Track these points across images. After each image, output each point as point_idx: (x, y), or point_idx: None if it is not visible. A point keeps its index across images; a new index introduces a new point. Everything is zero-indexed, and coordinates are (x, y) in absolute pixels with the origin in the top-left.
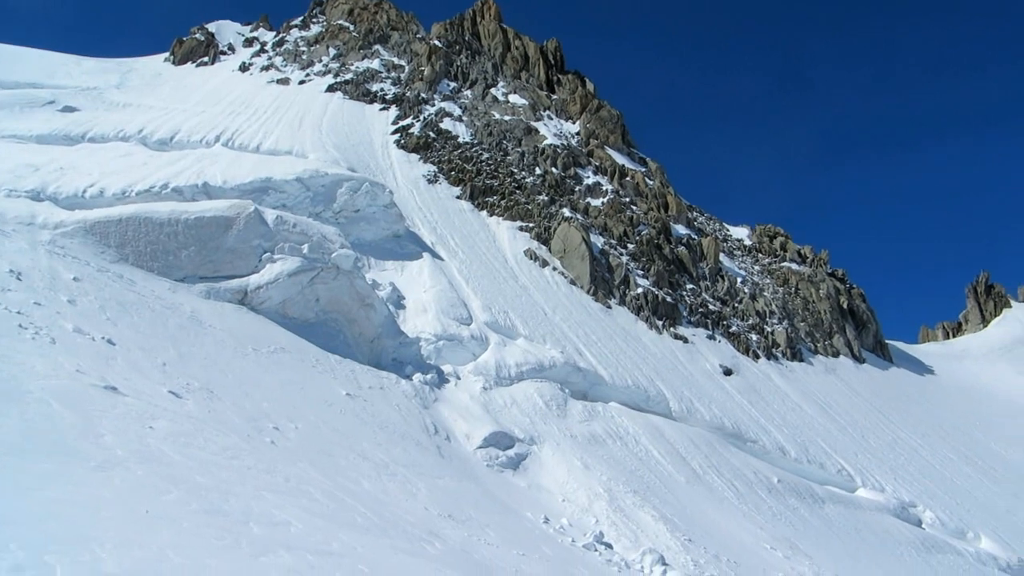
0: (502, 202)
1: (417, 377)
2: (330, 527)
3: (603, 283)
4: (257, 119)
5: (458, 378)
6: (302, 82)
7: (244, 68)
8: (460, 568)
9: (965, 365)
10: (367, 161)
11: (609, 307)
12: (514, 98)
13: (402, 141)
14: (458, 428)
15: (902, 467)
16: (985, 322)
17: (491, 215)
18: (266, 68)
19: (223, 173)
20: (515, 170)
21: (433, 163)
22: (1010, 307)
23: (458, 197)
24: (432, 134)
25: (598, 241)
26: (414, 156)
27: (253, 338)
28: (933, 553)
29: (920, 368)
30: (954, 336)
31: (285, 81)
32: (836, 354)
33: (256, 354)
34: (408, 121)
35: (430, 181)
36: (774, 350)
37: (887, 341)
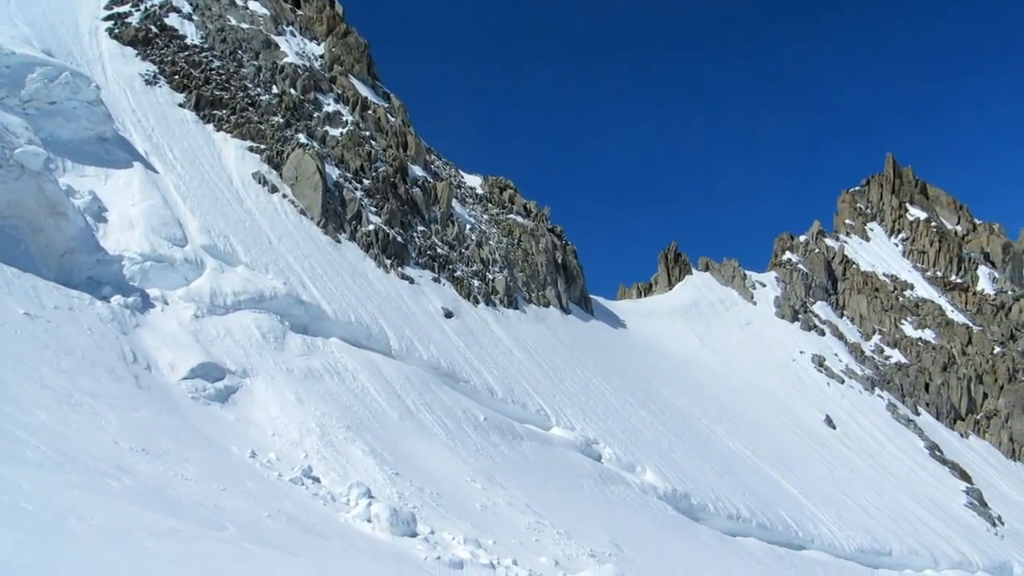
0: (232, 118)
1: (116, 300)
2: None
3: (335, 216)
4: None
5: (166, 303)
6: None
7: None
8: (149, 504)
9: (651, 321)
10: (69, 47)
11: (339, 241)
12: (254, 5)
13: (116, 31)
14: (162, 357)
15: (591, 409)
16: (671, 285)
17: (218, 130)
18: None
19: None
20: (249, 85)
21: (154, 62)
22: (691, 274)
23: (181, 105)
24: (155, 28)
25: (333, 172)
26: (130, 51)
27: None
28: (608, 484)
29: (615, 322)
30: (645, 295)
31: None
32: (547, 304)
33: None
34: (126, 8)
35: (148, 82)
36: (493, 297)
37: (591, 296)
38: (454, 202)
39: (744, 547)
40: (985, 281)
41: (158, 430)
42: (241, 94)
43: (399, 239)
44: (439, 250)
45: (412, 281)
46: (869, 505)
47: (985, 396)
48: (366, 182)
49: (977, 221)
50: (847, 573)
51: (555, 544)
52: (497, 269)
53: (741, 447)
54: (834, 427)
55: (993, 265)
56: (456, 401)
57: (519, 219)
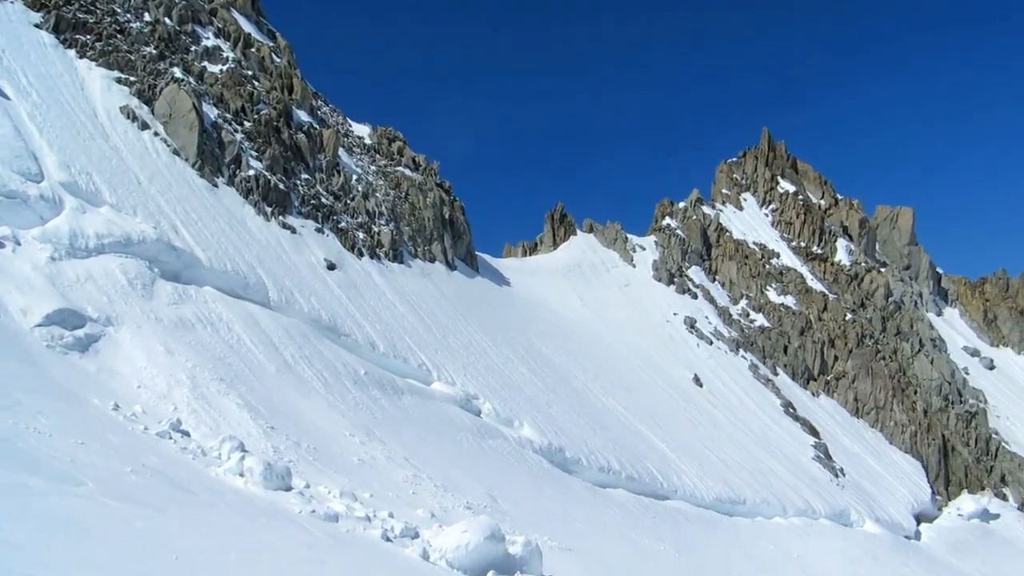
0: (97, 44)
1: None
2: None
3: (211, 159)
4: None
5: (18, 244)
6: None
7: None
8: None
9: (535, 280)
10: None
11: (215, 186)
12: None
13: None
14: (12, 302)
15: (472, 364)
16: (556, 245)
17: (81, 57)
18: None
19: None
20: (118, 10)
21: None
22: (576, 235)
23: (38, 25)
24: None
25: (211, 112)
26: None
27: None
28: (486, 438)
29: (500, 279)
30: (531, 255)
31: None
32: (433, 259)
33: None
34: None
35: None
36: (378, 250)
37: (477, 253)
38: (341, 151)
39: (613, 498)
40: (842, 253)
41: (7, 379)
42: (108, 19)
43: (281, 186)
44: (323, 200)
45: (294, 231)
46: (728, 458)
47: (836, 359)
48: (247, 124)
49: (839, 196)
50: (705, 521)
51: (432, 497)
52: (383, 222)
53: (615, 403)
54: (701, 385)
55: (850, 238)
56: (337, 355)
57: (407, 172)
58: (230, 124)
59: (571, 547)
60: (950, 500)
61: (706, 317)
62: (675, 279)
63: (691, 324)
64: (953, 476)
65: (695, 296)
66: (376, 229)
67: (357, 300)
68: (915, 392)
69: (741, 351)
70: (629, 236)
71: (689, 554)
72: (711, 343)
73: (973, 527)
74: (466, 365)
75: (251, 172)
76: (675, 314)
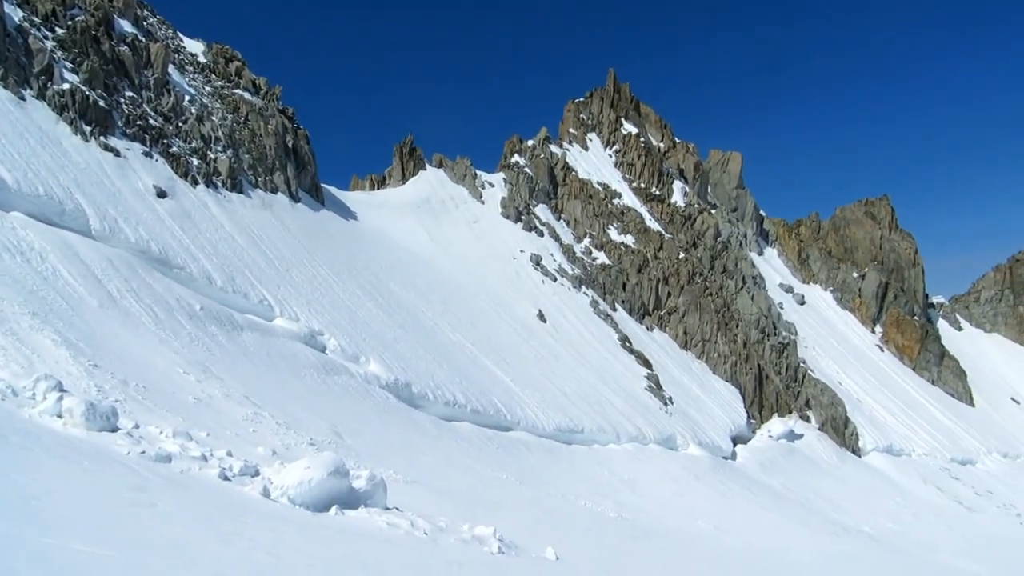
0: None
1: None
2: None
3: (17, 68)
4: None
5: None
6: None
7: None
8: None
9: (382, 214)
10: None
11: (23, 99)
12: None
13: None
14: None
15: (317, 300)
16: (404, 179)
17: None
18: None
19: None
20: None
21: None
22: (425, 170)
23: None
24: None
25: (14, 14)
26: None
27: None
28: (331, 375)
29: (346, 213)
30: (379, 188)
31: None
32: (275, 190)
33: None
34: None
35: None
36: (215, 178)
37: (322, 184)
38: (171, 68)
39: (458, 431)
40: (678, 195)
41: None
42: None
43: (102, 104)
44: (152, 121)
45: (118, 154)
46: (569, 390)
47: (669, 295)
48: (59, 31)
49: (677, 140)
50: (546, 449)
51: (273, 434)
52: (220, 148)
53: (462, 339)
54: (545, 321)
55: (686, 181)
56: (168, 289)
57: (247, 96)
58: (39, 29)
59: (416, 479)
60: (763, 423)
61: (551, 254)
62: (522, 217)
63: (537, 261)
64: (766, 402)
65: (541, 234)
66: (212, 156)
67: (192, 231)
68: (737, 326)
69: (583, 288)
70: (478, 172)
71: (530, 481)
72: (555, 280)
73: (781, 446)
74: (310, 301)
75: (65, 86)
76: (522, 251)
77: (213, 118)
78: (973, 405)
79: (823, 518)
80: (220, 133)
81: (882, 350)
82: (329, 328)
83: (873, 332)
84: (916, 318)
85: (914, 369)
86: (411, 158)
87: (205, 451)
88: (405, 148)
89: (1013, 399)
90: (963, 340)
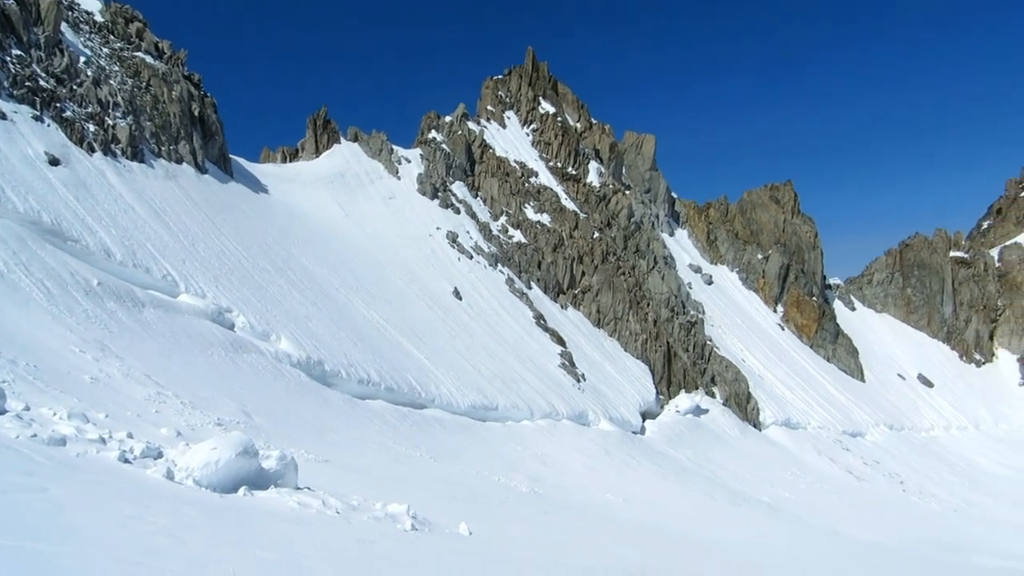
0: None
1: None
2: None
3: None
4: None
5: None
6: None
7: None
8: None
9: (295, 188)
10: None
11: None
12: None
13: None
14: None
15: (225, 276)
16: (318, 152)
17: None
18: None
19: None
20: None
21: None
22: (340, 143)
23: None
24: None
25: None
26: None
27: None
28: (240, 353)
29: (257, 186)
30: (291, 161)
31: None
32: (180, 160)
33: None
34: None
35: None
36: (114, 146)
37: (231, 156)
38: (64, 27)
39: (372, 409)
40: (594, 175)
41: None
42: None
43: None
44: (42, 83)
45: (4, 117)
46: (483, 367)
47: (583, 274)
48: None
49: (593, 121)
50: (460, 427)
51: (178, 415)
52: (119, 115)
53: (376, 316)
54: (461, 299)
55: (601, 161)
56: (62, 262)
57: (149, 59)
58: None
59: (328, 458)
60: (671, 399)
61: (467, 232)
62: (439, 193)
63: (453, 239)
64: (674, 378)
65: (458, 211)
66: (110, 122)
67: (88, 202)
68: (648, 304)
69: (499, 266)
70: (395, 148)
71: (443, 458)
72: (471, 257)
73: (687, 421)
74: (218, 276)
75: None
76: (438, 228)
77: (111, 82)
78: (864, 381)
79: (725, 488)
80: (119, 98)
81: (783, 328)
82: (238, 305)
83: (775, 311)
84: (814, 298)
85: (811, 347)
86: (325, 131)
87: (103, 433)
88: (319, 120)
89: (899, 375)
90: (856, 320)
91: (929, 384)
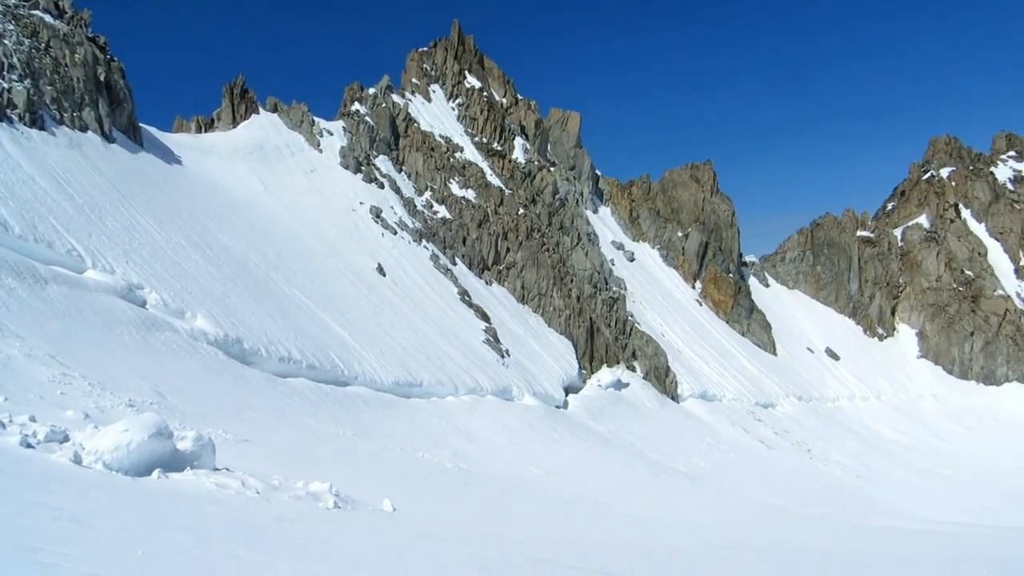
0: None
1: None
2: None
3: None
4: None
5: None
6: None
7: None
8: None
9: (211, 160)
10: None
11: None
12: None
13: None
14: None
15: (135, 251)
16: (235, 123)
17: None
18: None
19: None
20: None
21: None
22: (259, 114)
23: None
24: None
25: None
26: None
27: None
28: (153, 331)
29: (170, 157)
30: (207, 131)
31: None
32: (84, 128)
33: None
34: None
35: None
36: (10, 111)
37: (140, 124)
38: None
39: (293, 387)
40: (519, 151)
41: None
42: None
43: None
44: None
45: None
46: (408, 344)
47: (508, 250)
48: None
49: (519, 96)
50: (384, 403)
51: (86, 397)
52: (15, 77)
53: (297, 292)
54: (384, 275)
55: (527, 137)
56: None
57: (48, 18)
58: None
59: (247, 438)
60: (593, 373)
61: (391, 207)
62: (363, 167)
63: (377, 214)
64: (596, 353)
65: (382, 186)
66: (6, 85)
67: None
68: (571, 280)
69: (423, 241)
70: (316, 119)
71: (367, 435)
72: (395, 233)
73: (609, 395)
74: (128, 252)
75: None
76: (361, 203)
77: (6, 42)
78: (776, 354)
79: (644, 459)
80: (15, 60)
81: (700, 304)
82: (149, 281)
83: (693, 288)
84: (731, 275)
85: (727, 322)
86: (243, 100)
87: (3, 417)
88: (236, 89)
89: (809, 349)
90: (770, 296)
91: (836, 357)
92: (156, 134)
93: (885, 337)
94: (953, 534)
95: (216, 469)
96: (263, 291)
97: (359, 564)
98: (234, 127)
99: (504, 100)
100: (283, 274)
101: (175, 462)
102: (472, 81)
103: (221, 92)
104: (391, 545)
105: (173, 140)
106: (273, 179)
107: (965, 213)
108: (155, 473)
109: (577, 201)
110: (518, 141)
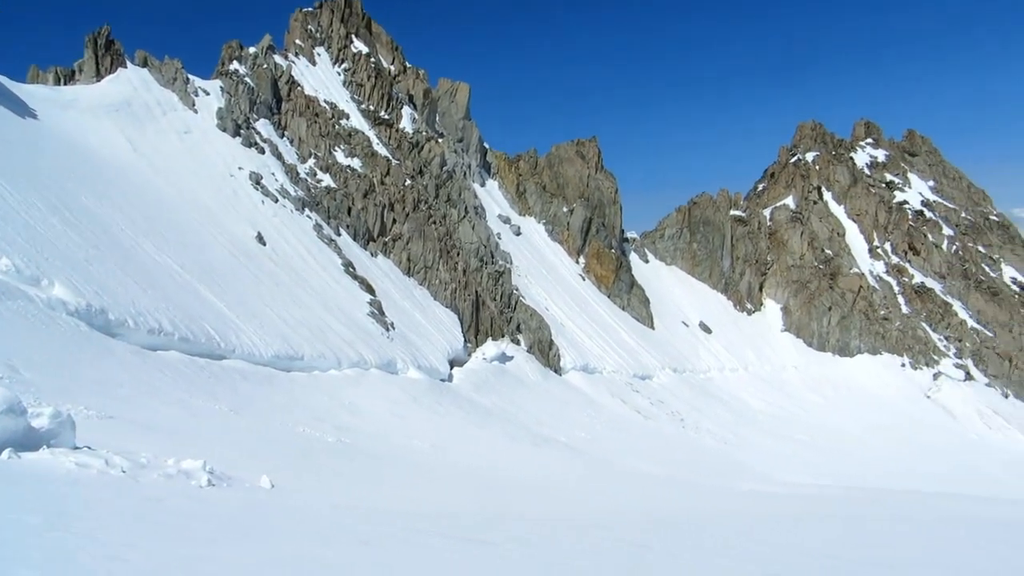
0: None
1: None
2: None
3: None
4: None
5: None
6: None
7: None
8: None
9: (72, 116)
10: None
11: None
12: None
13: None
14: None
15: None
16: (99, 76)
17: None
18: None
19: None
20: None
21: None
22: (126, 68)
23: None
24: None
25: None
26: None
27: None
28: (4, 300)
29: (23, 110)
30: (67, 83)
31: None
32: None
33: None
34: None
35: None
36: None
37: None
38: None
39: (165, 360)
40: (407, 120)
41: None
42: None
43: None
44: None
45: None
46: (288, 316)
47: (394, 222)
48: None
49: (408, 65)
50: (263, 377)
51: None
52: None
53: (169, 261)
54: (264, 244)
55: (415, 107)
56: None
57: None
58: None
59: (113, 415)
60: (478, 347)
61: (273, 174)
62: (242, 131)
63: (257, 180)
64: (482, 326)
65: (262, 151)
66: None
67: None
68: (458, 254)
69: (306, 210)
70: (191, 77)
71: (245, 410)
72: (276, 201)
73: (493, 368)
74: None
75: None
76: (240, 168)
77: None
78: (653, 328)
79: (527, 431)
80: None
81: (584, 279)
82: (1, 247)
83: (577, 263)
84: (613, 251)
85: (609, 296)
86: (108, 52)
87: None
88: (100, 40)
89: (684, 323)
90: (649, 271)
91: (708, 331)
92: (8, 85)
93: (753, 311)
94: (810, 496)
95: (77, 448)
96: (130, 259)
97: (233, 542)
98: (98, 80)
99: (392, 68)
100: (153, 241)
101: (29, 441)
102: (359, 46)
103: (83, 43)
104: (268, 522)
105: (27, 91)
106: (143, 139)
107: (827, 195)
108: (5, 453)
109: (465, 174)
110: (406, 110)
